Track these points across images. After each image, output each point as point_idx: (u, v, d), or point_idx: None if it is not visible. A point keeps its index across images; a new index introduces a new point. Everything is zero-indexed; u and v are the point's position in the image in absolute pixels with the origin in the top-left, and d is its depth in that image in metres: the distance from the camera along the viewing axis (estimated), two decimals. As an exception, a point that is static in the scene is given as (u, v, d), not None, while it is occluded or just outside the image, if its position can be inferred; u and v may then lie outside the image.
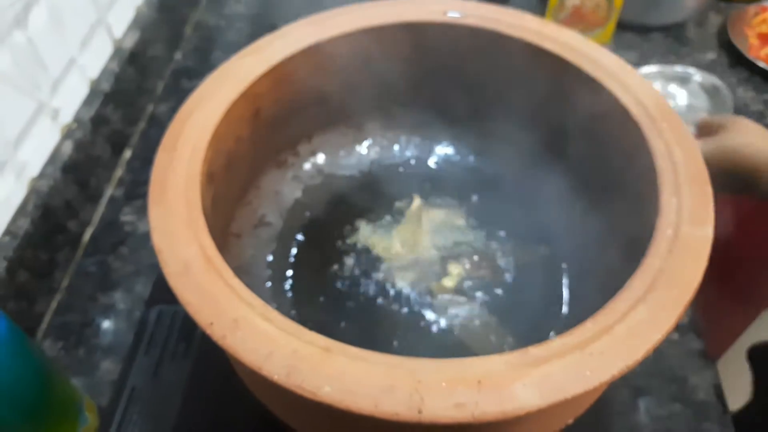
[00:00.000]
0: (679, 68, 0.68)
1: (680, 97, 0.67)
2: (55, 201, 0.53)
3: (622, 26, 0.74)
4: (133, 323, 0.50)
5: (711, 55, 0.73)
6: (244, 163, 0.44)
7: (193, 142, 0.36)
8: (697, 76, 0.68)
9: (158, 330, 0.47)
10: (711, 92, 0.66)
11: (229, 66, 0.41)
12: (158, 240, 0.31)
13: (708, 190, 0.33)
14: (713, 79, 0.67)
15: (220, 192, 0.39)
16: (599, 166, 0.42)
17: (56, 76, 0.55)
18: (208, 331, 0.27)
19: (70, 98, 0.58)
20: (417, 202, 0.51)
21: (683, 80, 0.68)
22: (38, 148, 0.53)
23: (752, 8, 0.76)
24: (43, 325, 0.52)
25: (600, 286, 0.36)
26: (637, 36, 0.75)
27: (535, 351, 0.27)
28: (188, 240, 0.31)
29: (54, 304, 0.53)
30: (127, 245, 0.57)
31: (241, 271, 0.43)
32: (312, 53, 0.43)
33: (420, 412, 0.25)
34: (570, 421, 0.34)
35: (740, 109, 0.67)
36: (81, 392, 0.44)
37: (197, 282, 0.29)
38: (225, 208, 0.42)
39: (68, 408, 0.42)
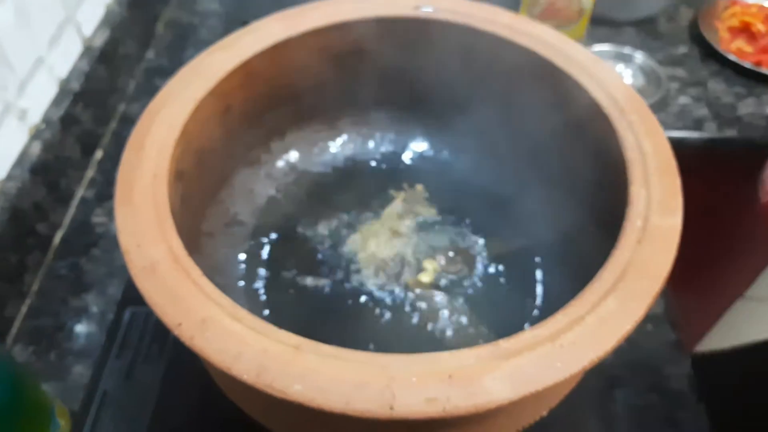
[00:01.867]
0: (627, 49, 0.71)
1: (625, 76, 0.70)
2: (24, 203, 0.52)
3: (596, 21, 0.74)
4: (107, 326, 0.49)
5: (682, 49, 0.74)
6: (215, 161, 0.43)
7: (160, 141, 0.35)
8: (639, 57, 0.71)
9: (131, 332, 0.46)
10: (648, 73, 0.70)
11: (197, 63, 0.40)
12: (125, 240, 0.30)
13: (677, 181, 0.34)
14: (651, 62, 0.70)
15: (190, 190, 0.39)
16: (570, 159, 0.42)
17: (23, 75, 0.54)
18: (176, 332, 0.27)
19: (39, 98, 0.57)
20: (400, 198, 0.50)
21: (628, 61, 0.71)
22: (5, 149, 0.52)
23: (722, 2, 0.77)
24: (14, 330, 0.51)
25: (573, 278, 0.37)
26: (610, 30, 0.76)
27: (505, 344, 0.27)
28: (156, 240, 0.30)
29: (24, 308, 0.52)
30: (99, 247, 0.56)
31: (214, 270, 0.43)
32: (283, 49, 0.43)
33: (392, 408, 0.25)
34: (544, 413, 0.35)
35: (712, 102, 0.68)
36: (52, 398, 0.43)
37: (165, 282, 0.29)
38: (196, 207, 0.42)
39: (39, 414, 0.41)
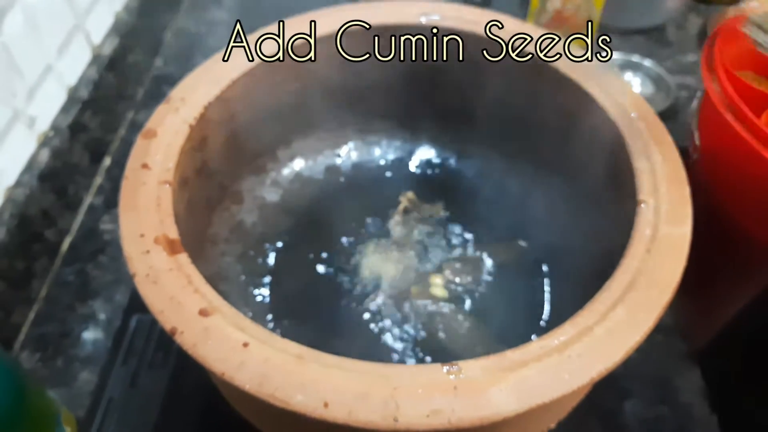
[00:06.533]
0: (635, 57, 0.71)
1: (634, 84, 0.70)
2: (32, 210, 0.52)
3: (604, 29, 0.74)
4: (113, 333, 0.49)
5: (691, 57, 0.74)
6: (221, 168, 0.43)
7: (165, 147, 0.35)
8: (647, 65, 0.71)
9: (137, 339, 0.46)
10: (657, 81, 0.69)
11: (204, 69, 0.41)
12: (128, 247, 0.30)
13: (686, 190, 0.33)
14: (660, 70, 0.70)
15: (195, 197, 0.39)
16: (577, 168, 0.42)
17: (32, 82, 0.54)
18: (179, 339, 0.27)
19: (47, 105, 0.57)
20: (402, 207, 0.50)
21: (636, 69, 0.71)
22: (14, 156, 0.52)
23: (732, 10, 0.76)
24: (21, 336, 0.51)
25: (581, 288, 0.36)
26: (618, 38, 0.75)
27: (512, 355, 0.27)
28: (159, 247, 0.30)
29: (32, 315, 0.52)
30: (106, 254, 0.56)
31: (218, 277, 0.43)
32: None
33: (396, 420, 0.25)
34: (552, 425, 0.34)
35: (722, 110, 0.67)
36: (58, 404, 0.43)
37: (167, 290, 0.28)
38: (201, 214, 0.42)
39: (45, 421, 0.41)
